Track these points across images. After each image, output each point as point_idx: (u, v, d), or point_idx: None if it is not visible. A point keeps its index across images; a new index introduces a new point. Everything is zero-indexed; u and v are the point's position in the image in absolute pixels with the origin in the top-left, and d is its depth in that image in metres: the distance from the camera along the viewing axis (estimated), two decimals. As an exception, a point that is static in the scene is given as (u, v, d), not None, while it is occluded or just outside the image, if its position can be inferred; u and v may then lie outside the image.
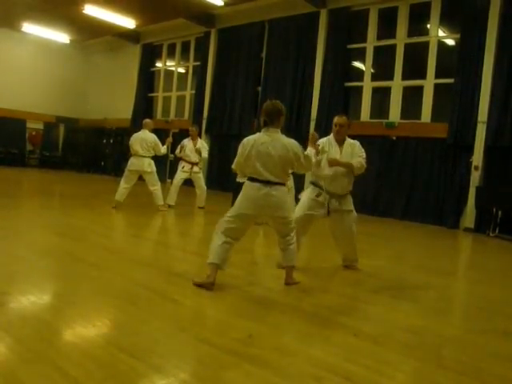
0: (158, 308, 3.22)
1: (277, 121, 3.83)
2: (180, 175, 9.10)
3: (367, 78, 11.82)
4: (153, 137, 8.41)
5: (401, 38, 11.16)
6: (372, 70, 11.84)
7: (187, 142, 9.17)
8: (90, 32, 17.43)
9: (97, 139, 18.97)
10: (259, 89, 13.72)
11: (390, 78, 11.28)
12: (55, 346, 2.49)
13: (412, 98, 11.28)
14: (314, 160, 4.27)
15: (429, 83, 10.67)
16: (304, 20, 12.65)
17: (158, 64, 17.81)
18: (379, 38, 11.60)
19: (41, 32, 17.73)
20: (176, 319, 3.03)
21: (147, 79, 17.74)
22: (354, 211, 4.82)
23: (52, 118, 19.80)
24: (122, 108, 17.67)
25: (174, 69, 17.33)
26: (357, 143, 4.89)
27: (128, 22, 15.57)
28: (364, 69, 11.99)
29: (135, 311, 3.11)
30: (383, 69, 11.82)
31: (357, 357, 2.61)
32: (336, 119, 4.80)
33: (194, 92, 15.93)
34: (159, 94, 17.64)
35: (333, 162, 4.61)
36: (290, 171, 4.07)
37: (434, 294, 4.45)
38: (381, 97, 11.89)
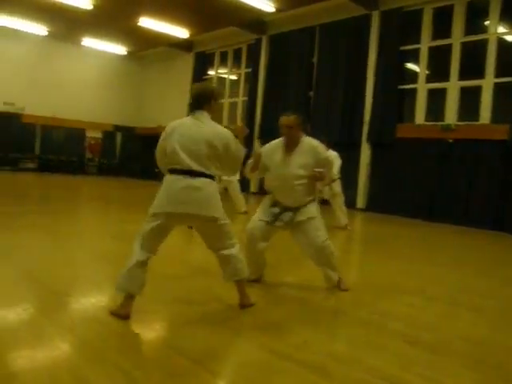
0: (213, 312, 3.27)
1: (206, 105, 3.17)
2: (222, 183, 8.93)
3: (422, 79, 11.54)
4: None
5: (457, 37, 10.83)
6: (427, 72, 11.54)
7: None
8: (145, 43, 18.05)
9: (152, 147, 19.42)
10: (311, 94, 13.70)
11: (446, 78, 10.96)
12: (115, 346, 2.59)
13: (469, 98, 10.90)
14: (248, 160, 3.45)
15: (488, 83, 10.28)
16: (355, 23, 12.54)
17: (211, 72, 18.16)
18: (434, 37, 11.31)
19: (99, 45, 18.56)
20: (231, 324, 3.07)
21: (200, 87, 18.09)
22: (318, 217, 3.92)
23: (110, 127, 20.60)
24: (175, 115, 17.58)
25: (226, 76, 17.60)
26: (318, 147, 3.93)
27: (181, 32, 16.03)
28: (418, 70, 11.72)
29: (192, 315, 3.17)
30: (438, 69, 11.52)
31: (413, 366, 2.55)
32: (281, 119, 3.89)
33: (245, 99, 16.11)
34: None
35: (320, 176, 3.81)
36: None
37: (497, 303, 4.24)
38: (436, 98, 11.57)
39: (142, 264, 2.98)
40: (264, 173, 3.99)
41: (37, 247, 5.09)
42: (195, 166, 2.99)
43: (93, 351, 2.46)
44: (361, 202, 12.14)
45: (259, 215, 3.92)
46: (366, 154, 12.13)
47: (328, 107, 12.98)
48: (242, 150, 3.23)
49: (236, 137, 3.22)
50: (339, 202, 8.08)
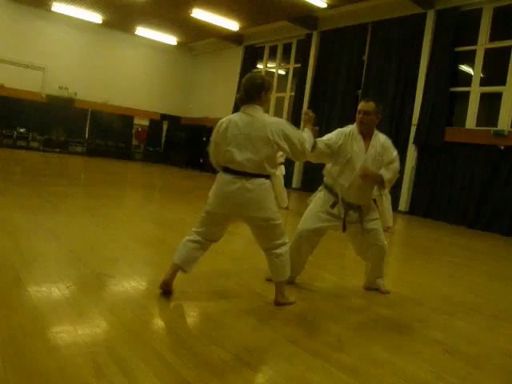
0: (248, 303, 3.29)
1: (257, 97, 3.07)
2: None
3: (475, 82, 11.13)
4: None
5: (517, 40, 10.38)
6: (481, 75, 11.14)
7: None
8: (196, 34, 18.24)
9: (197, 137, 19.77)
10: (359, 92, 13.49)
11: (502, 82, 10.53)
12: (153, 329, 2.65)
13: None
14: (308, 145, 3.18)
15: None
16: (409, 21, 12.23)
17: (259, 65, 18.17)
18: (492, 39, 10.88)
19: (151, 35, 18.89)
20: (266, 316, 3.08)
21: (249, 80, 18.14)
22: (379, 220, 3.86)
23: (157, 116, 20.99)
24: (222, 107, 18.22)
25: (274, 70, 17.57)
26: (389, 143, 3.71)
27: (232, 25, 16.09)
28: (472, 73, 11.32)
29: (227, 305, 3.20)
30: (494, 73, 11.07)
31: (449, 376, 2.48)
32: (360, 105, 3.70)
33: (293, 94, 16.04)
34: (259, 95, 17.95)
35: (365, 172, 3.54)
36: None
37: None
38: (490, 103, 11.16)
39: (194, 242, 3.18)
40: (330, 159, 3.72)
41: (82, 228, 5.26)
42: (250, 168, 2.98)
43: (130, 332, 2.52)
44: (403, 204, 11.89)
45: (313, 218, 3.71)
46: (412, 156, 11.86)
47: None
48: (299, 133, 3.14)
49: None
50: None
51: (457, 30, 11.32)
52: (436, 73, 11.49)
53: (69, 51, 18.32)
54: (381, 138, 3.71)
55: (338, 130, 3.76)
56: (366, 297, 3.90)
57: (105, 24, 18.20)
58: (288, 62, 16.93)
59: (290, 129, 3.06)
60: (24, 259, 3.64)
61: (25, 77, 17.59)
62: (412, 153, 11.84)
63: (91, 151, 19.05)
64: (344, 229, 3.67)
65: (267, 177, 3.05)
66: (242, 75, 18.20)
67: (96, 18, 17.53)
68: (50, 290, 3.06)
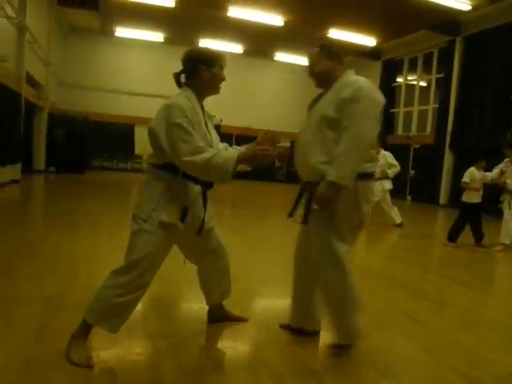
0: (405, 328, 3.18)
1: (194, 74, 2.45)
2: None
3: None
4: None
5: None
6: None
7: None
8: (332, 54, 18.37)
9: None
10: (512, 98, 12.35)
11: None
12: (308, 348, 2.68)
13: None
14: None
15: None
16: None
17: (399, 79, 17.64)
18: None
19: (289, 58, 19.62)
20: (423, 342, 2.94)
21: (388, 95, 17.69)
22: None
23: (296, 136, 21.42)
24: None
25: (415, 83, 16.92)
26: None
27: (369, 41, 15.93)
28: None
29: (384, 330, 3.12)
30: None
31: None
32: None
33: (436, 106, 15.27)
34: (400, 109, 17.42)
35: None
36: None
37: None
38: None
39: None
40: None
41: (234, 248, 5.54)
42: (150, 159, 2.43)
43: (288, 350, 2.58)
44: None
45: None
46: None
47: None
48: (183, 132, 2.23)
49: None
50: None
51: None
52: None
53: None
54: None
55: None
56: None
57: (246, 53, 19.36)
58: (430, 73, 16.17)
59: (170, 118, 2.22)
60: (187, 277, 3.95)
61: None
62: None
63: (235, 174, 20.03)
64: None
65: (163, 168, 2.34)
66: (381, 90, 17.63)
67: (238, 48, 18.78)
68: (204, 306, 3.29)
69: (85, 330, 2.29)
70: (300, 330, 2.79)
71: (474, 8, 12.34)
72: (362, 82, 2.50)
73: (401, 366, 2.54)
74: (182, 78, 2.47)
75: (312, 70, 2.70)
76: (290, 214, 2.72)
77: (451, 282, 4.70)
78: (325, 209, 2.42)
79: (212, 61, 2.43)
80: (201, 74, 2.41)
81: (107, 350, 2.40)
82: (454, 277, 4.96)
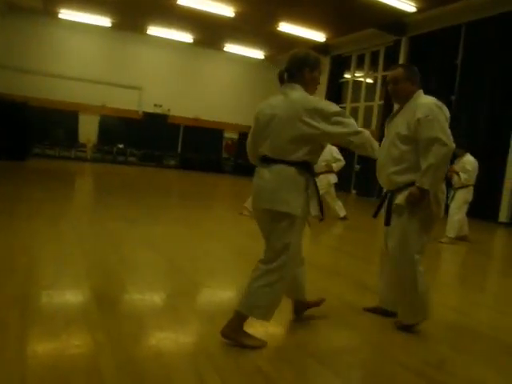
0: (346, 318, 3.25)
1: (298, 74, 2.60)
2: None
3: None
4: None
5: None
6: None
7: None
8: (282, 47, 18.44)
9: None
10: (452, 98, 12.88)
11: None
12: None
13: None
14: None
15: None
16: (508, 18, 11.46)
17: (347, 75, 17.99)
18: None
19: (239, 50, 19.51)
20: (363, 333, 3.03)
21: (336, 90, 18.01)
22: None
23: (246, 129, 21.42)
24: None
25: (362, 79, 17.31)
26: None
27: (319, 36, 16.13)
28: None
29: (324, 319, 3.18)
30: None
31: None
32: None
33: (381, 103, 15.70)
34: (347, 105, 17.77)
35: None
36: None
37: None
38: None
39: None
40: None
41: (179, 239, 5.50)
42: (270, 152, 2.54)
43: (228, 342, 2.58)
44: (504, 215, 11.11)
45: None
46: (512, 163, 11.10)
47: (472, 112, 12.09)
48: (342, 111, 2.55)
49: None
50: None
51: None
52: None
53: (162, 71, 19.46)
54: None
55: None
56: (468, 314, 3.70)
57: (195, 43, 19.08)
58: (376, 70, 16.60)
59: (325, 104, 2.51)
60: (128, 269, 3.88)
61: (123, 96, 18.91)
62: (512, 159, 11.08)
63: (183, 164, 19.93)
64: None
65: (292, 163, 2.49)
66: (328, 85, 18.13)
67: (187, 37, 18.45)
68: (153, 299, 3.24)
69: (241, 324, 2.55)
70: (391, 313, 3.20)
71: (419, 10, 12.74)
72: (432, 104, 2.95)
73: (340, 354, 2.60)
74: (285, 75, 2.66)
75: (394, 88, 3.08)
76: (375, 215, 3.18)
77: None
78: (414, 208, 2.87)
79: (316, 65, 2.66)
80: (304, 75, 2.62)
81: (45, 342, 2.32)
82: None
